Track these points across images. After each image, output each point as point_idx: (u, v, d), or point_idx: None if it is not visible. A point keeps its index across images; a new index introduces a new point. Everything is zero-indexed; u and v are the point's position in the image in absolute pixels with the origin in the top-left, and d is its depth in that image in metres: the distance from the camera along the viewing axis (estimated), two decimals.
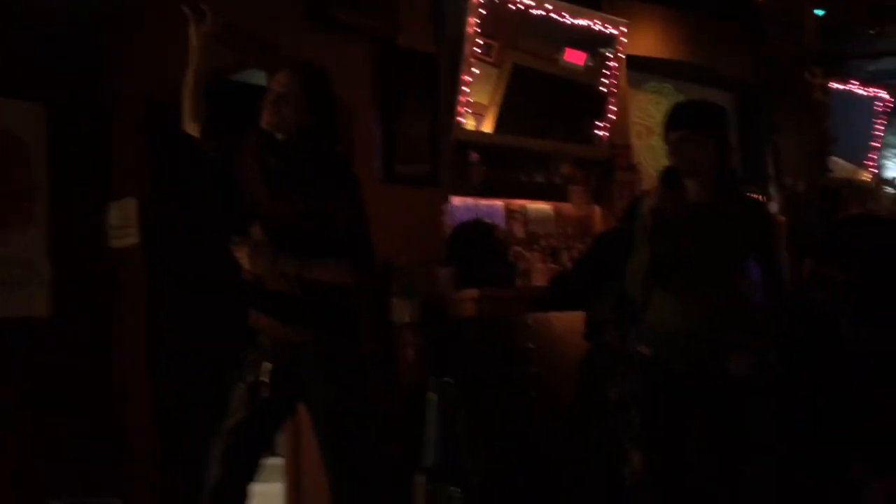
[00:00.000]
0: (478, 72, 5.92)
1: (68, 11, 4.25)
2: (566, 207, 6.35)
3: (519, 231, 6.05)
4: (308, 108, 2.80)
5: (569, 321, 4.26)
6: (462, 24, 5.79)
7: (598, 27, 6.66)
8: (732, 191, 2.84)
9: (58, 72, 4.23)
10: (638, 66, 7.68)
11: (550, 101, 6.58)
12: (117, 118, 4.33)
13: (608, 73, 6.83)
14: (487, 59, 6.02)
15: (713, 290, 2.78)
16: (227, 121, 2.98)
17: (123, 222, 4.24)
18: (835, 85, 8.69)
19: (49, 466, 3.98)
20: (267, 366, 2.74)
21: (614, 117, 6.85)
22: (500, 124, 6.15)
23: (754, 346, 2.77)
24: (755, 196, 3.66)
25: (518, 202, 6.19)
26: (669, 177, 2.77)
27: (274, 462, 4.84)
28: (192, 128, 2.98)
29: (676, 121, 2.83)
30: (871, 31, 8.54)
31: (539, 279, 5.23)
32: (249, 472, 2.79)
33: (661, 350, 2.85)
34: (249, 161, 2.86)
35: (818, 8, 6.30)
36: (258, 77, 4.18)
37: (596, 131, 6.79)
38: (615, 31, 6.76)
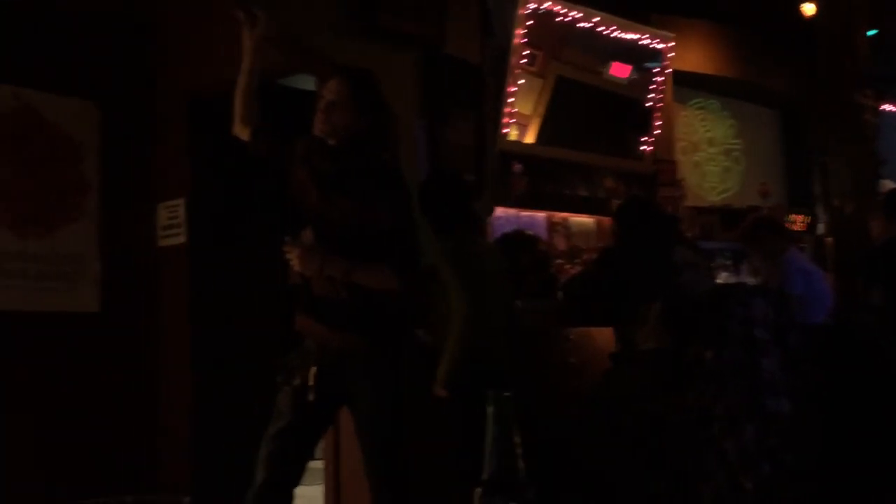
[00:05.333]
0: (523, 82, 5.91)
1: (122, 12, 4.32)
2: (609, 221, 6.31)
3: (561, 244, 6.02)
4: (359, 115, 2.81)
5: (608, 336, 4.21)
6: (509, 34, 5.79)
7: (645, 41, 6.63)
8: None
9: (112, 72, 4.30)
10: (684, 82, 7.64)
11: (594, 113, 6.56)
12: (165, 118, 4.39)
13: (654, 87, 6.80)
14: (531, 69, 6.01)
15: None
16: (276, 124, 3.00)
17: (172, 222, 4.30)
18: (886, 107, 8.57)
19: (87, 461, 4.01)
20: (313, 370, 2.74)
21: (659, 132, 6.82)
22: (542, 135, 6.14)
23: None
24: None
25: (560, 215, 6.16)
26: None
27: (314, 465, 4.86)
28: (242, 131, 2.99)
29: None
30: None
31: None
32: (295, 476, 2.79)
33: None
34: (300, 165, 2.87)
35: (871, 28, 6.20)
36: (306, 82, 4.21)
37: (640, 146, 6.77)
38: (662, 46, 6.73)
